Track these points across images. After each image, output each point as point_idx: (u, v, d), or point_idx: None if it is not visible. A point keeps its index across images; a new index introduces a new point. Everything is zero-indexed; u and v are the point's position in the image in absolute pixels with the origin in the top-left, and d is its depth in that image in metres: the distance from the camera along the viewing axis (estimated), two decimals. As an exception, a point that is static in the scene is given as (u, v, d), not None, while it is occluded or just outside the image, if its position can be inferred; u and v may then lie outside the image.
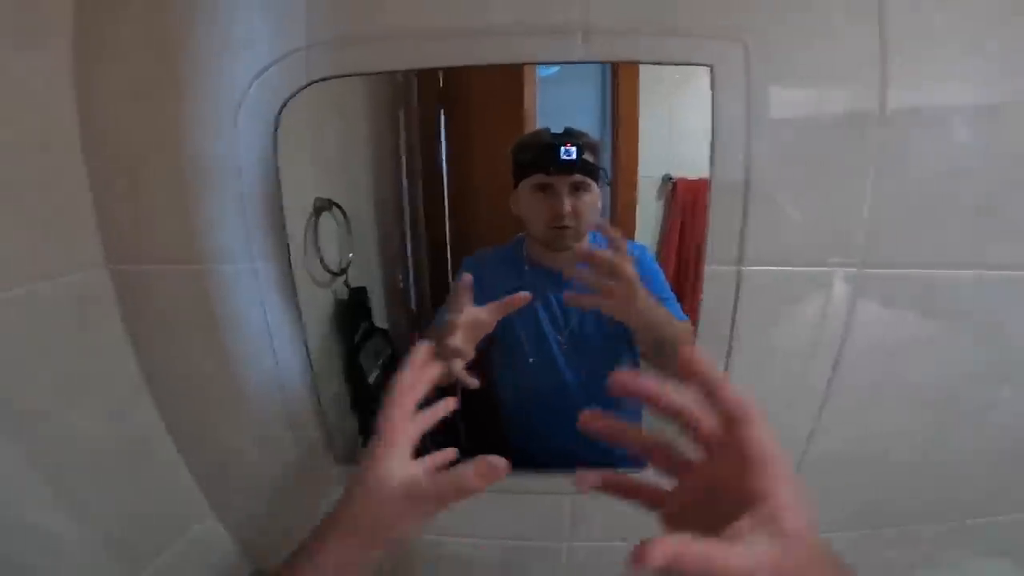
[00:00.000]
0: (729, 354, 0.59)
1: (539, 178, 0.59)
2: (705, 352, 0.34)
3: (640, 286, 0.56)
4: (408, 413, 0.46)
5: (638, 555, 0.24)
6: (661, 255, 0.74)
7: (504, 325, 0.59)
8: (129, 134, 0.54)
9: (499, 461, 0.41)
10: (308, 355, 0.60)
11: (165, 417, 0.66)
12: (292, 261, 0.57)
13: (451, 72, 0.61)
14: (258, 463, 0.68)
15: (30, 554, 0.54)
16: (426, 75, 0.61)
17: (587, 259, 0.57)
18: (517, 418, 0.68)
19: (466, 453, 0.71)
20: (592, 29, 0.52)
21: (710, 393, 0.32)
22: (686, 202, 0.72)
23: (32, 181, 0.51)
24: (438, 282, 0.63)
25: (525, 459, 0.66)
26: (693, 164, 0.71)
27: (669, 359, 0.60)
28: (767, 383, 0.60)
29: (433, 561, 0.77)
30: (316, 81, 0.52)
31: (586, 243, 0.63)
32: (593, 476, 0.39)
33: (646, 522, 0.38)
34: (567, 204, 0.59)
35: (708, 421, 0.33)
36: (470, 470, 0.41)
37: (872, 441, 0.63)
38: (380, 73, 0.56)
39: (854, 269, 0.55)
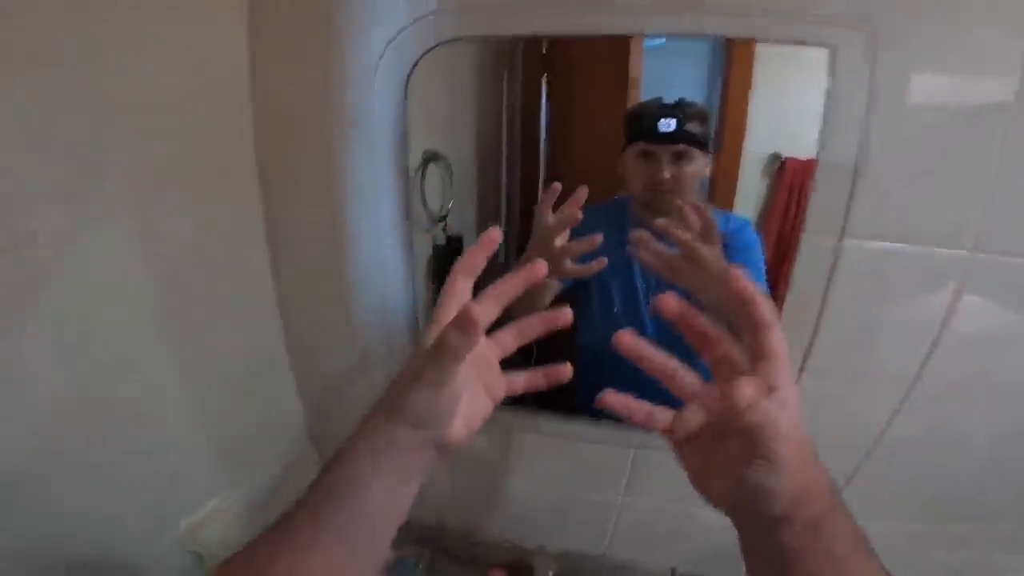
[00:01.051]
0: (817, 327, 0.58)
1: (642, 146, 0.61)
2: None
3: (717, 267, 0.57)
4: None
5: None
6: (762, 235, 0.71)
7: (599, 274, 0.62)
8: (286, 88, 0.63)
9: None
10: (415, 292, 0.66)
11: (288, 339, 0.76)
12: (393, 215, 0.64)
13: (555, 39, 0.62)
14: (358, 391, 0.76)
15: (157, 460, 0.63)
16: (530, 41, 0.64)
17: (666, 230, 0.58)
18: (591, 366, 0.69)
19: (536, 398, 0.75)
20: (709, 5, 0.52)
21: (744, 304, 0.35)
22: (794, 182, 0.69)
23: (208, 124, 0.60)
24: (527, 232, 0.66)
25: (594, 410, 0.68)
26: (805, 144, 0.69)
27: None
28: (854, 360, 0.59)
29: (489, 499, 0.82)
30: (444, 43, 0.57)
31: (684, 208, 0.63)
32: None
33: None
34: (667, 172, 0.61)
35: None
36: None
37: (953, 433, 0.61)
38: (501, 36, 0.60)
39: (964, 252, 0.53)
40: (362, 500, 0.36)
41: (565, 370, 0.47)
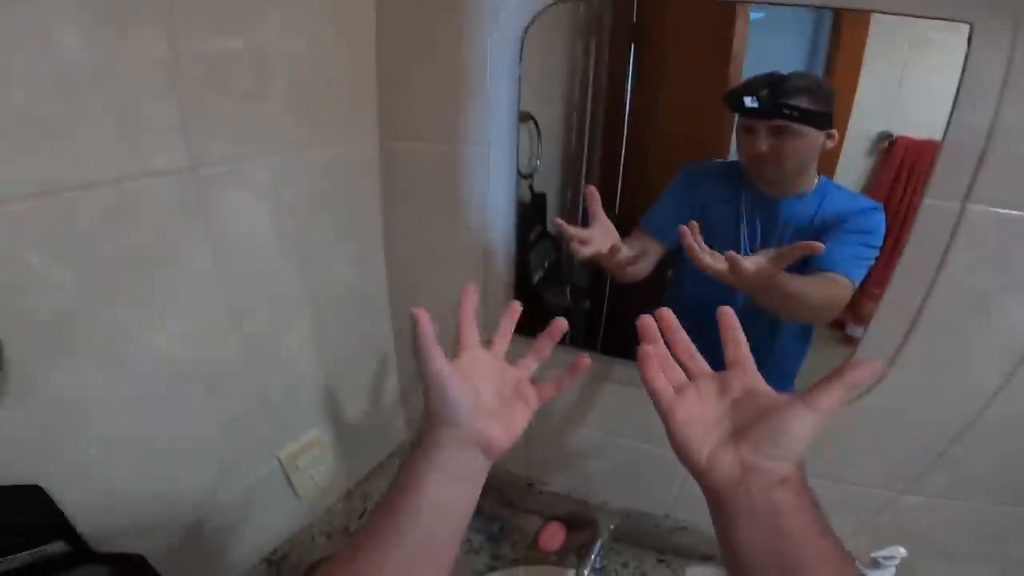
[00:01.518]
0: (930, 292, 0.56)
1: (742, 119, 0.62)
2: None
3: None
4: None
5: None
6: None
7: (705, 232, 0.63)
8: (409, 43, 0.69)
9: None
10: (516, 236, 0.71)
11: (389, 273, 0.83)
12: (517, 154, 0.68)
13: (645, 8, 0.63)
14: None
15: (278, 381, 0.68)
16: (620, 8, 0.65)
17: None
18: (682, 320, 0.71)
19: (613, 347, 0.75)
20: None
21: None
22: (904, 161, 0.64)
23: (338, 68, 0.67)
24: (606, 200, 0.68)
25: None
26: (917, 124, 0.65)
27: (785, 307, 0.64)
28: (964, 329, 0.57)
29: (556, 449, 0.85)
30: (559, 1, 0.60)
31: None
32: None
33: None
34: (763, 145, 0.60)
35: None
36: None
37: None
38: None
39: None
40: (426, 499, 0.42)
41: (584, 362, 0.54)
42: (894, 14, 0.52)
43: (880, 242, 0.60)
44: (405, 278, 0.83)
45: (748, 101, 0.59)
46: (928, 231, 0.55)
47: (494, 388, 0.50)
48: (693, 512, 0.82)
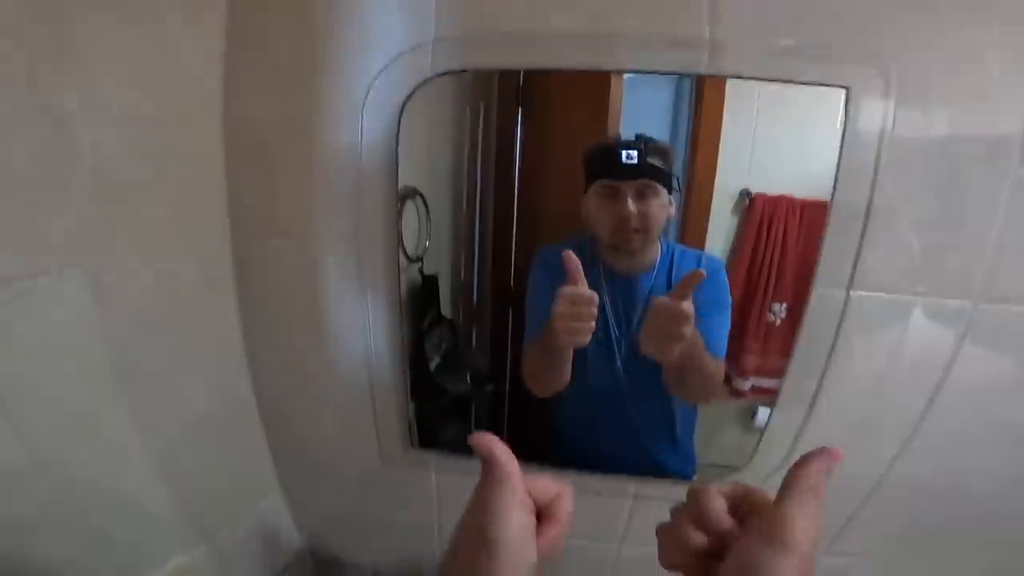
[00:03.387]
0: (824, 375, 0.59)
1: (605, 182, 0.60)
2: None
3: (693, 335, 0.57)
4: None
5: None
6: (730, 271, 0.73)
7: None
8: (265, 117, 0.58)
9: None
10: (403, 342, 0.63)
11: (257, 392, 0.70)
12: (369, 255, 0.61)
13: (530, 74, 0.62)
14: (334, 456, 0.72)
15: (116, 520, 0.58)
16: (506, 73, 0.63)
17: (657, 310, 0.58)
18: (568, 412, 0.69)
19: (513, 448, 0.73)
20: (719, 44, 0.52)
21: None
22: (763, 218, 0.71)
23: (175, 152, 0.55)
24: (500, 278, 0.66)
25: (573, 459, 0.67)
26: (773, 180, 0.71)
27: (688, 389, 0.64)
28: (860, 405, 0.60)
29: None
30: (443, 74, 0.54)
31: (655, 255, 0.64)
32: None
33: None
34: (632, 207, 0.59)
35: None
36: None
37: (955, 473, 0.62)
38: (504, 69, 0.59)
39: (969, 304, 0.54)
40: None
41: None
42: (777, 81, 0.55)
43: (729, 299, 0.64)
44: (278, 398, 0.71)
45: (626, 156, 0.59)
46: (819, 316, 0.57)
47: None
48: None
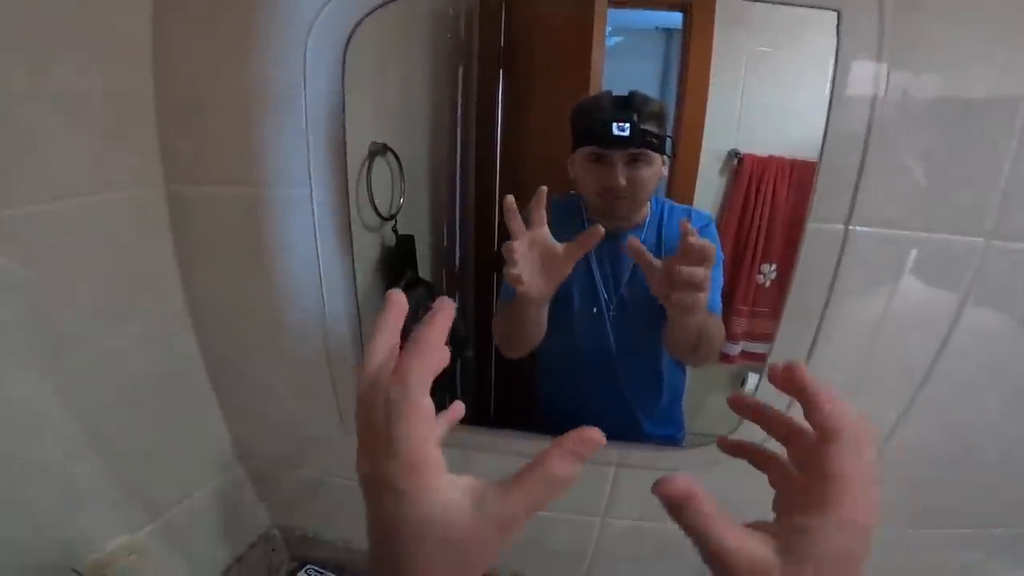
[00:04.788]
0: (821, 322, 0.53)
1: (593, 149, 0.57)
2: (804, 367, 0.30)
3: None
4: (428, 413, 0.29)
5: (660, 483, 0.26)
6: (719, 233, 0.71)
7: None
8: (198, 56, 0.53)
9: (592, 432, 0.30)
10: (356, 297, 0.58)
11: (204, 350, 0.65)
12: (349, 194, 0.56)
13: (513, 35, 0.60)
14: (293, 410, 0.67)
15: (45, 494, 0.53)
16: (488, 33, 0.60)
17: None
18: (553, 375, 0.67)
19: (498, 414, 0.70)
20: None
21: (808, 404, 0.29)
22: (752, 178, 0.69)
23: (100, 95, 0.51)
24: (484, 239, 0.63)
25: (558, 425, 0.64)
26: (763, 140, 0.69)
27: (693, 350, 0.60)
28: (860, 358, 0.54)
29: None
30: (388, 1, 0.49)
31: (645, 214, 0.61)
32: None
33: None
34: (621, 177, 0.56)
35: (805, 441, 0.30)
36: (556, 454, 0.29)
37: (960, 435, 0.57)
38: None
39: (981, 240, 0.48)
40: None
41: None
42: (767, 1, 0.51)
43: (721, 255, 0.61)
44: (227, 354, 0.66)
45: (617, 129, 0.55)
46: (814, 256, 0.51)
47: None
48: (611, 571, 0.76)
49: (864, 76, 0.46)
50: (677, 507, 0.26)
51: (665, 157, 0.57)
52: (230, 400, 0.69)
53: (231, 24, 0.52)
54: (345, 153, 0.54)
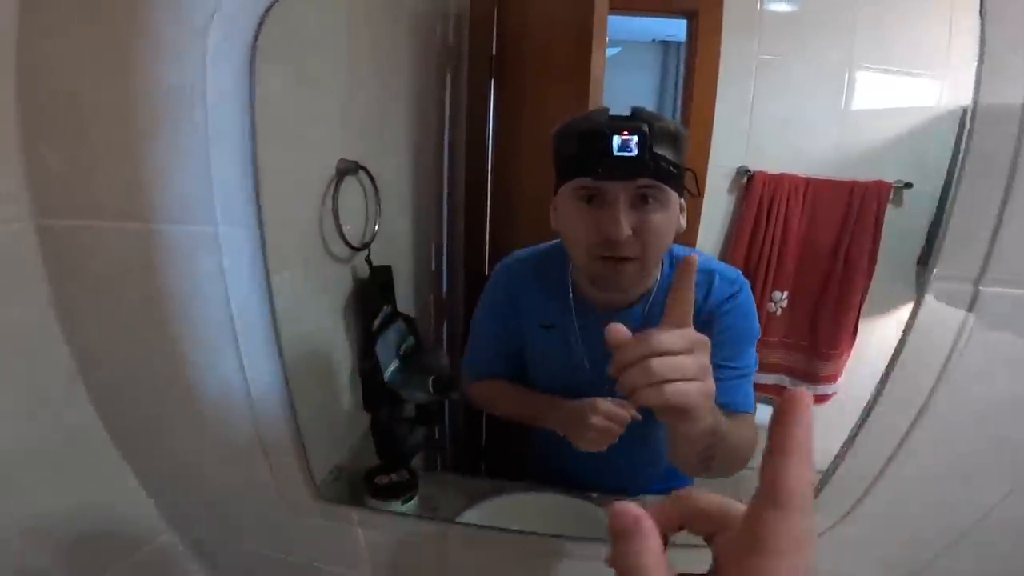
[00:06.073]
0: (928, 400, 0.39)
1: (585, 183, 0.40)
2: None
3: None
4: None
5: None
6: (726, 256, 0.66)
7: (544, 358, 0.49)
8: (71, 58, 0.43)
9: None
10: (281, 356, 0.46)
11: (103, 416, 0.52)
12: (300, 243, 0.47)
13: (505, 43, 0.55)
14: (222, 483, 0.55)
15: None
16: (479, 39, 0.55)
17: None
18: (548, 438, 0.58)
19: (489, 459, 0.64)
20: None
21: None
22: (763, 198, 0.64)
23: None
24: (473, 260, 0.58)
25: (551, 471, 0.56)
26: (774, 156, 0.65)
27: (704, 464, 0.41)
28: (967, 443, 0.41)
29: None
30: None
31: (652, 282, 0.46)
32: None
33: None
34: (624, 222, 0.39)
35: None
36: None
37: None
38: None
39: None
40: None
41: None
42: None
43: (758, 327, 0.48)
44: (134, 422, 0.54)
45: (619, 145, 0.38)
46: (933, 320, 0.37)
47: None
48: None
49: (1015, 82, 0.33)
50: (621, 536, 0.22)
51: (683, 201, 0.43)
52: (147, 470, 0.56)
53: (115, 12, 0.41)
54: (256, 177, 0.42)
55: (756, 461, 0.36)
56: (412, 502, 0.51)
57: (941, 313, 0.37)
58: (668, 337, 0.31)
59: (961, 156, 0.35)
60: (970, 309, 0.36)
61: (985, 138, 0.34)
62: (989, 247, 0.35)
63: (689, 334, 0.32)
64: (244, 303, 0.45)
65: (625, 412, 0.41)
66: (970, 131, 0.34)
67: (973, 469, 0.43)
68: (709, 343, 0.32)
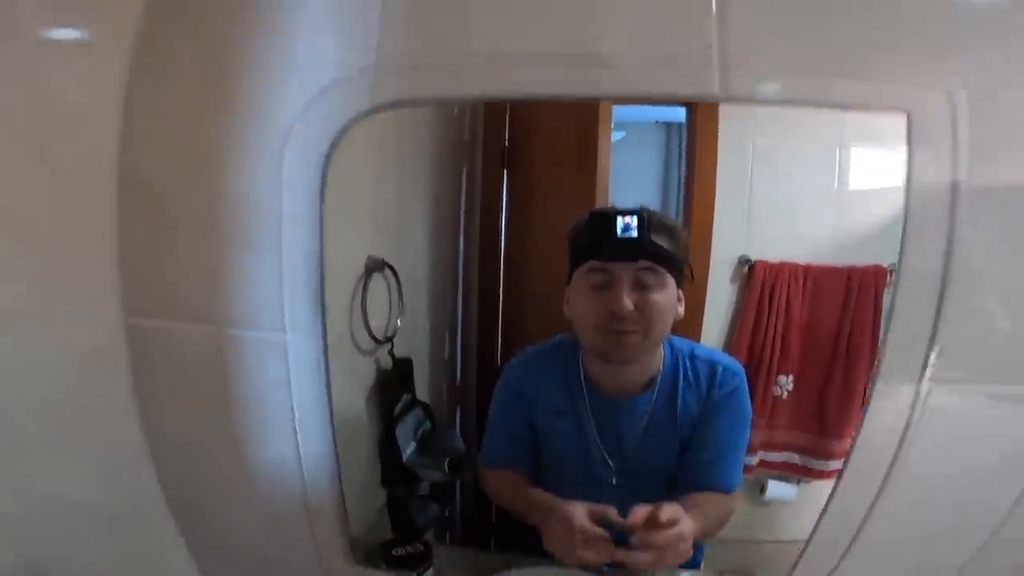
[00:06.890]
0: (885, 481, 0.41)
1: (593, 265, 0.46)
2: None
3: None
4: None
5: None
6: (732, 343, 0.68)
7: (557, 443, 0.51)
8: (166, 166, 0.46)
9: None
10: (335, 444, 0.49)
11: (164, 486, 0.57)
12: (330, 336, 0.50)
13: (517, 133, 0.58)
14: (268, 557, 0.59)
15: None
16: (492, 134, 0.58)
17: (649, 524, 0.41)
18: None
19: (499, 534, 0.64)
20: (732, 62, 0.37)
21: None
22: (765, 286, 0.66)
23: (58, 207, 0.43)
24: (486, 348, 0.59)
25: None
26: (774, 241, 0.68)
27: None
28: (926, 514, 0.44)
29: None
30: (381, 107, 0.43)
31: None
32: None
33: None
34: (627, 300, 0.44)
35: None
36: None
37: None
38: (452, 99, 0.49)
39: None
40: None
41: None
42: (832, 108, 0.47)
43: (749, 413, 0.51)
44: (191, 495, 0.58)
45: (623, 226, 0.45)
46: (882, 417, 0.41)
47: None
48: None
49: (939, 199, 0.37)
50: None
51: (680, 291, 0.48)
52: (198, 542, 0.60)
53: (204, 123, 0.44)
54: (322, 287, 0.45)
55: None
56: (427, 574, 0.53)
57: (892, 399, 0.40)
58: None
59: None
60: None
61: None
62: (927, 349, 0.39)
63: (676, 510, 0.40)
64: (305, 402, 0.49)
65: (608, 548, 0.42)
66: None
67: (937, 533, 0.45)
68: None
